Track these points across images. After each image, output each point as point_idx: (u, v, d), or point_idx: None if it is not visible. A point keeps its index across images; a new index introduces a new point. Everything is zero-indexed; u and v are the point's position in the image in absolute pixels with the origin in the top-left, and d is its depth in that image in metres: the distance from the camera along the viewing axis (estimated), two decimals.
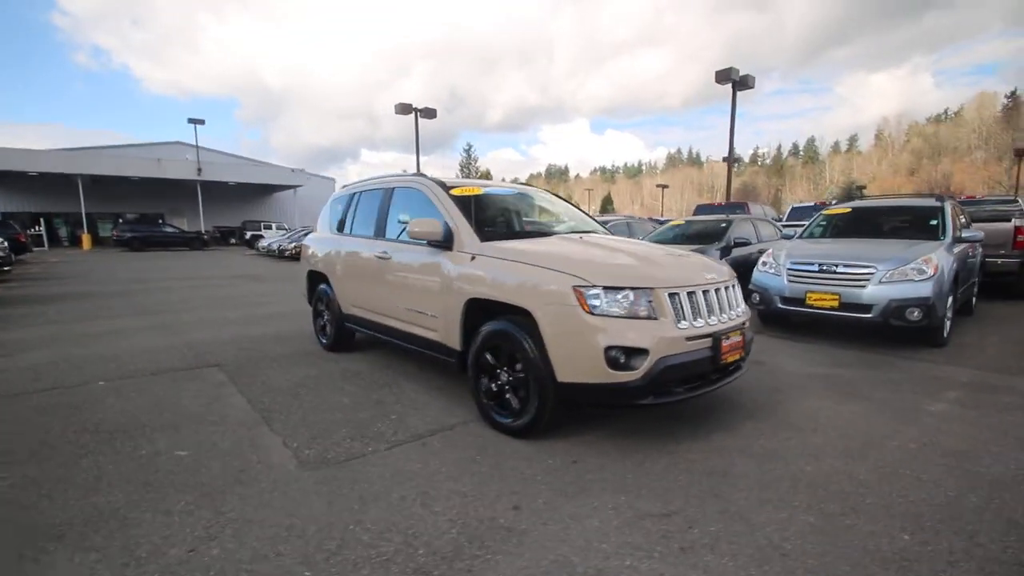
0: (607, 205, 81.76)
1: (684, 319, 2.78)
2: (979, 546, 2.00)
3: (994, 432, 3.08)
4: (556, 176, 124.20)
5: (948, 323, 5.30)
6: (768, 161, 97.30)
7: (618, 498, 2.37)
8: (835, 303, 5.24)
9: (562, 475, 2.58)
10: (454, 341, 3.41)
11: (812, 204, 15.92)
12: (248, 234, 29.85)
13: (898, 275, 5.02)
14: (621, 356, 2.59)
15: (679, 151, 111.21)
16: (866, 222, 6.72)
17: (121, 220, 30.51)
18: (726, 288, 3.13)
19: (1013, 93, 68.40)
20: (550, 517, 2.22)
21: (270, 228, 31.25)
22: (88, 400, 3.73)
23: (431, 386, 4.01)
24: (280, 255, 21.13)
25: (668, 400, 2.73)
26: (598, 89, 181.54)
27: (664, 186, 59.26)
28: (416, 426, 3.23)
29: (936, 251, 5.24)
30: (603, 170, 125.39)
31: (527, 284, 2.88)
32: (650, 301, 2.69)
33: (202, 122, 29.83)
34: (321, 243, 5.28)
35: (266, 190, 38.36)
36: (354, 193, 4.96)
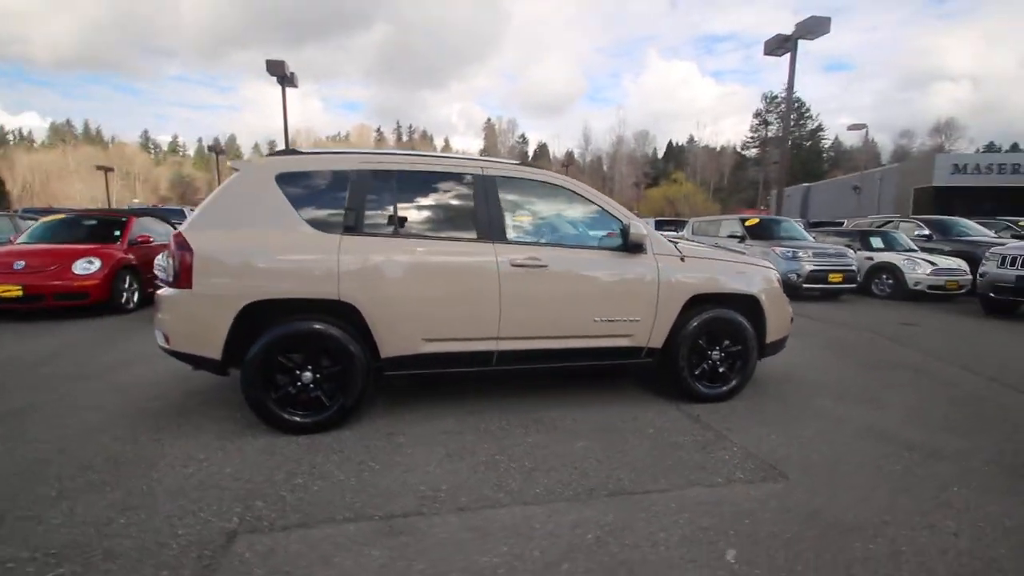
0: None
1: None
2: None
3: None
4: None
5: None
6: (190, 153, 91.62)
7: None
8: None
9: (828, 416, 3.76)
10: (658, 340, 3.60)
11: None
12: None
13: None
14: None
15: (69, 122, 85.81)
16: None
17: None
18: None
19: (379, 129, 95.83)
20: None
21: None
22: None
23: (583, 401, 3.68)
24: None
25: None
26: None
27: (108, 169, 39.25)
28: (680, 429, 3.34)
29: None
30: None
31: (754, 277, 3.79)
32: None
33: None
34: (304, 250, 2.99)
35: None
36: (374, 171, 3.18)
